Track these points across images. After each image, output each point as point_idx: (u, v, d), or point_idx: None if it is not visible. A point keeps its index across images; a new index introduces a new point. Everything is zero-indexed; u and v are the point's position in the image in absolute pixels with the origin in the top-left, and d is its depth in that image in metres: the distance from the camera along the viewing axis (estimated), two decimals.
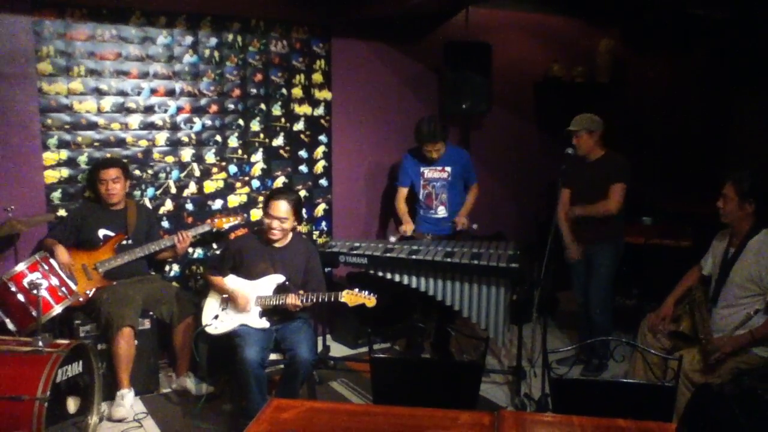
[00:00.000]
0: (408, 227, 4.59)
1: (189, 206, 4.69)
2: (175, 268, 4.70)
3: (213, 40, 4.62)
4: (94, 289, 4.03)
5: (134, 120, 4.44)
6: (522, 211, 6.17)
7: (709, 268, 3.68)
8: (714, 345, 3.31)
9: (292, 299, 3.64)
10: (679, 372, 2.61)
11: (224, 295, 3.84)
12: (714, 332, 3.43)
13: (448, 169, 4.65)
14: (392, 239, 4.55)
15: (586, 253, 4.44)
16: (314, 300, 3.66)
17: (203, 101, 4.65)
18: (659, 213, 5.68)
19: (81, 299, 3.94)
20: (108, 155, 4.34)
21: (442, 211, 4.72)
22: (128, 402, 3.87)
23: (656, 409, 2.51)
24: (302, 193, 5.07)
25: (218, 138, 4.73)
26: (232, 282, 3.83)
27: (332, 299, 3.65)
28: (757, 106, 5.93)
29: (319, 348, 4.63)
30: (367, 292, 3.64)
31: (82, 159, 4.30)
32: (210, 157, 4.72)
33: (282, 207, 3.74)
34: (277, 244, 3.84)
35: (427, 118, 4.54)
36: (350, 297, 3.63)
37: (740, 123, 6.20)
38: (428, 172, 4.68)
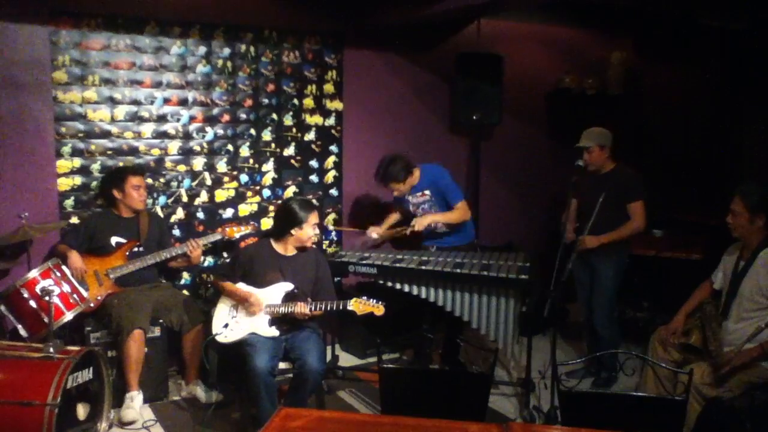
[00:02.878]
0: (375, 231, 4.70)
1: (200, 215, 4.72)
2: (186, 276, 4.72)
3: (226, 51, 4.66)
4: (104, 295, 4.06)
5: (147, 129, 4.48)
6: (532, 221, 6.16)
7: (719, 283, 3.66)
8: (724, 358, 3.29)
9: (300, 307, 3.65)
10: (690, 386, 2.60)
11: (234, 304, 3.85)
12: (725, 346, 3.40)
13: (427, 192, 4.57)
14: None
15: (590, 264, 4.41)
16: (323, 308, 3.66)
17: (216, 111, 4.68)
18: (671, 225, 5.65)
19: (92, 305, 3.96)
20: (120, 164, 4.38)
21: (440, 226, 4.68)
22: (137, 404, 3.89)
23: (666, 422, 2.49)
24: (312, 202, 5.08)
25: (230, 147, 4.77)
26: (243, 289, 3.84)
27: (341, 308, 3.65)
28: None
29: (328, 357, 4.62)
30: (375, 301, 3.64)
31: (95, 167, 4.34)
32: (221, 166, 4.75)
33: (317, 216, 3.89)
34: (287, 253, 3.86)
35: (386, 160, 4.45)
36: (358, 305, 3.63)
37: (753, 134, 6.17)
38: (412, 198, 4.64)
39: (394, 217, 4.83)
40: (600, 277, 4.38)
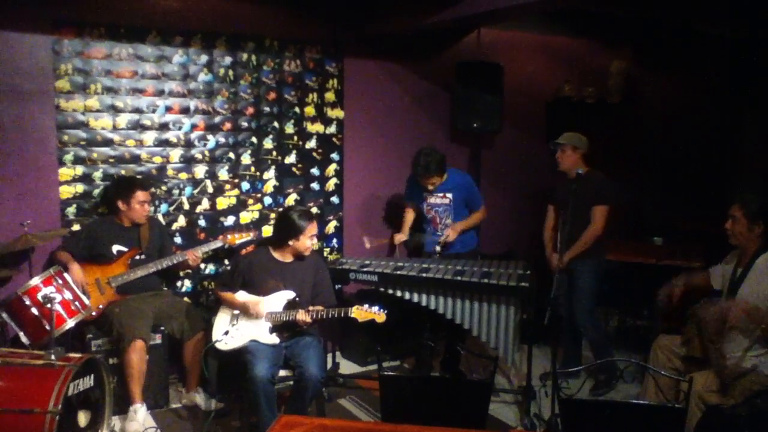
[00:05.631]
0: (399, 237, 4.78)
1: (202, 222, 4.73)
2: (187, 283, 4.73)
3: (228, 59, 4.68)
4: (106, 303, 4.07)
5: (149, 137, 4.50)
6: (532, 229, 6.15)
7: (717, 282, 3.66)
8: (730, 368, 3.28)
9: (302, 315, 3.66)
10: (689, 393, 2.60)
11: (235, 311, 3.86)
12: (726, 353, 3.39)
13: (450, 195, 4.62)
14: (367, 245, 4.88)
15: (569, 267, 4.43)
16: (324, 316, 3.67)
17: (217, 119, 4.70)
18: (670, 233, 5.66)
19: (93, 313, 3.97)
20: (123, 172, 4.40)
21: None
22: (141, 416, 3.88)
23: (666, 430, 2.49)
24: (314, 210, 5.10)
25: (231, 155, 4.78)
26: (242, 297, 3.85)
27: (342, 315, 3.65)
28: None
29: (329, 365, 4.63)
30: (376, 308, 3.64)
31: (97, 175, 4.36)
32: (223, 174, 4.77)
33: (316, 227, 3.91)
34: (286, 260, 3.88)
35: (424, 151, 4.48)
36: (360, 312, 3.63)
37: (752, 142, 6.18)
38: (430, 198, 4.66)
39: (410, 218, 4.91)
40: (578, 281, 4.46)
